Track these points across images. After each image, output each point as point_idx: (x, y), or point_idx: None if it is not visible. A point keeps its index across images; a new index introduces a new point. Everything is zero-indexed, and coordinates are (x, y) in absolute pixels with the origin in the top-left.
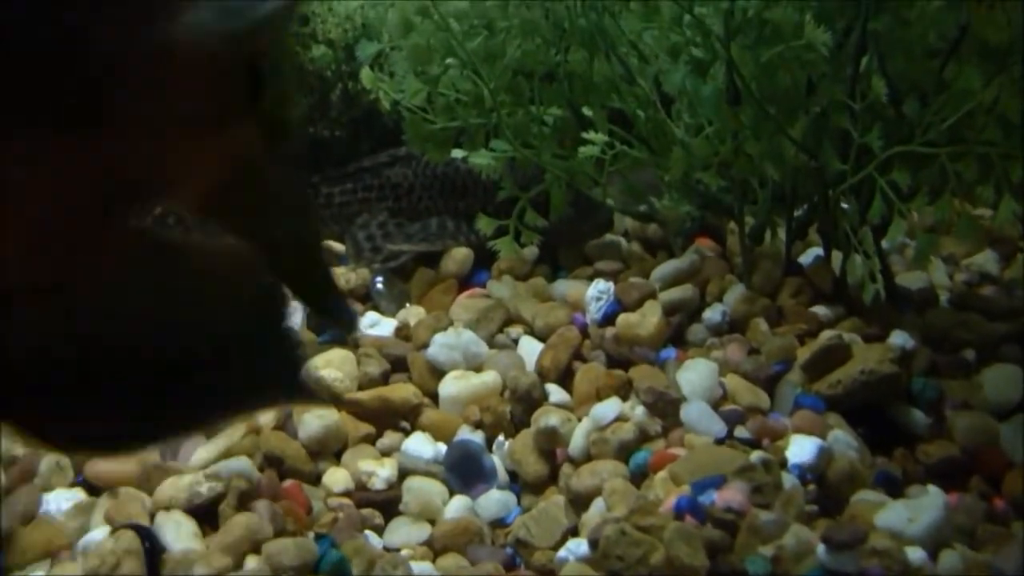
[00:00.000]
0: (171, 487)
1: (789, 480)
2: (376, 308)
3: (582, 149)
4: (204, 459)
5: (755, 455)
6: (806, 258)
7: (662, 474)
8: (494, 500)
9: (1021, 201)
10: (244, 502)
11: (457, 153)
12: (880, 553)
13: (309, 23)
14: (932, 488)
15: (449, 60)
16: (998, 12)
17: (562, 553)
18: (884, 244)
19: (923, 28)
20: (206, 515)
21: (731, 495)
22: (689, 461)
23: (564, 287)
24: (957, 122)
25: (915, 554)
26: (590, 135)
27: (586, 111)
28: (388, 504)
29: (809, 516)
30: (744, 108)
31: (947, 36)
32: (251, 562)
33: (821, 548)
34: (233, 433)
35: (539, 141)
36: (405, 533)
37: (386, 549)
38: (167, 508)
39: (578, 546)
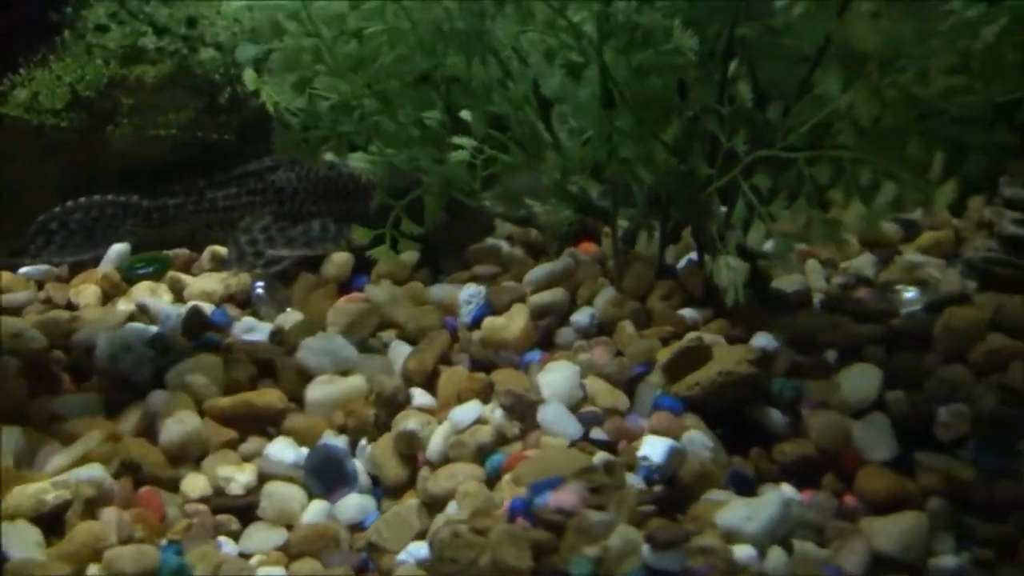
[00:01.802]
0: (17, 495)
1: (636, 481)
2: (255, 314)
3: (453, 154)
4: (59, 466)
5: (598, 457)
6: (684, 262)
7: (508, 476)
8: (353, 504)
9: (868, 204)
10: (92, 510)
11: (331, 156)
12: (706, 552)
13: (196, 26)
14: (783, 487)
15: (318, 66)
16: (868, 21)
17: (402, 556)
18: (767, 247)
19: (791, 35)
20: (53, 523)
21: (564, 497)
22: (533, 463)
23: (440, 291)
24: (817, 127)
25: (744, 552)
26: (460, 140)
27: (464, 115)
28: (246, 509)
29: (644, 516)
30: (619, 112)
31: (815, 44)
32: (93, 570)
33: (646, 548)
34: (90, 440)
35: (413, 145)
36: (261, 539)
37: (241, 555)
38: (12, 517)
39: (419, 549)
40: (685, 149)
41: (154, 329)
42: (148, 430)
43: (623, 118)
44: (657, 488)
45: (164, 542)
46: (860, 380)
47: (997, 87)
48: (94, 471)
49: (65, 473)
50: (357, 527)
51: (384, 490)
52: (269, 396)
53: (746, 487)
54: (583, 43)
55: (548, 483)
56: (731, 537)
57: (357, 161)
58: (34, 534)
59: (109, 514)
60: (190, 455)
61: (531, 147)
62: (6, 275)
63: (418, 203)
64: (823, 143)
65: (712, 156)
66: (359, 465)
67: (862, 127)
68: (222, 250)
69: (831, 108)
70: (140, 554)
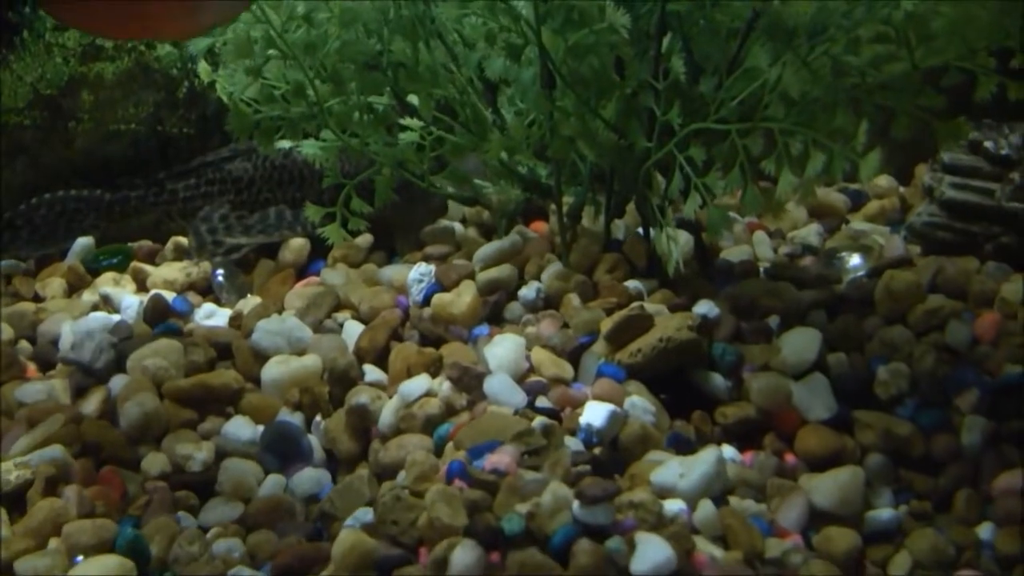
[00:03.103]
0: None
1: (576, 445)
2: (216, 300)
3: (401, 135)
4: (22, 449)
5: (538, 421)
6: (631, 235)
7: (451, 443)
8: (307, 477)
9: (800, 174)
10: (52, 488)
11: (284, 143)
12: (636, 506)
13: None
14: (726, 447)
15: (270, 52)
16: None
17: (349, 521)
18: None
19: (720, 10)
20: (16, 502)
21: (500, 458)
22: (473, 429)
23: (390, 272)
24: (748, 99)
25: (674, 506)
26: (407, 121)
27: (411, 99)
28: (204, 485)
29: (579, 476)
30: (559, 91)
31: (742, 17)
32: (54, 544)
33: (576, 504)
34: (53, 423)
35: (363, 129)
36: (219, 512)
37: (200, 528)
38: None
39: (365, 514)
40: (625, 125)
41: (116, 318)
42: (110, 413)
43: (564, 97)
44: (597, 450)
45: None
46: (800, 343)
47: (922, 54)
48: (55, 452)
49: (28, 455)
50: (313, 499)
51: (338, 463)
52: (225, 377)
53: (686, 448)
54: (521, 25)
55: (487, 446)
56: (664, 493)
57: (309, 148)
58: None
59: (70, 492)
60: (150, 435)
61: (476, 129)
62: None
63: (368, 184)
64: (755, 115)
65: (650, 130)
66: (314, 440)
67: (792, 98)
68: (185, 240)
69: (761, 81)
70: (98, 527)
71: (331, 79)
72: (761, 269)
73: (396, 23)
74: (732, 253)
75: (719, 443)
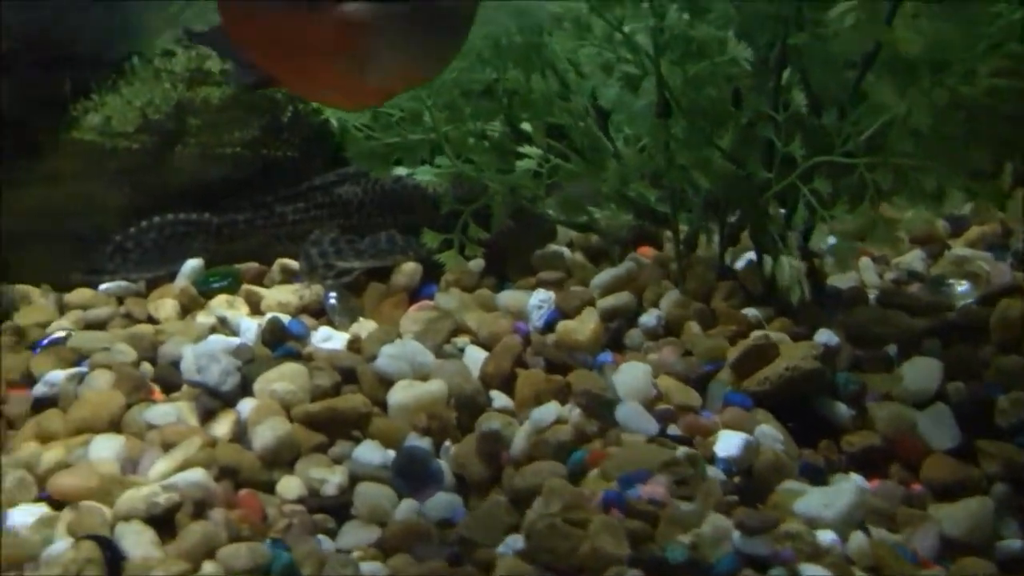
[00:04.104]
0: (130, 499)
1: (715, 473)
2: (330, 323)
3: (519, 163)
4: (162, 472)
5: (681, 450)
6: (742, 262)
7: (595, 471)
8: (440, 502)
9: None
10: (200, 511)
11: (400, 170)
12: (793, 537)
13: None
14: (854, 476)
15: None
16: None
17: (501, 548)
18: (822, 246)
19: (840, 43)
20: (164, 524)
21: (653, 488)
22: (618, 458)
23: (507, 297)
24: (874, 133)
25: (826, 537)
26: (526, 149)
27: (525, 126)
28: (340, 509)
29: (729, 506)
30: (675, 121)
31: (863, 50)
32: (208, 567)
33: (736, 534)
34: (189, 446)
35: (479, 156)
36: (356, 536)
37: (339, 551)
38: (126, 519)
39: (516, 541)
40: (742, 155)
41: (236, 340)
42: (241, 436)
43: (679, 126)
44: (736, 479)
45: (269, 540)
46: (921, 372)
47: None
48: (198, 475)
49: (170, 477)
50: (445, 523)
51: (469, 488)
52: (353, 401)
53: (818, 477)
54: (639, 56)
55: (636, 476)
56: (812, 524)
57: (424, 174)
58: (150, 534)
59: (217, 515)
60: (282, 459)
61: (592, 156)
62: (87, 292)
63: (484, 210)
64: (882, 149)
65: (769, 161)
66: (444, 465)
67: (920, 133)
68: (291, 263)
69: (889, 116)
70: (252, 552)
71: (447, 106)
72: (870, 296)
73: (510, 52)
74: (840, 280)
75: (846, 471)
